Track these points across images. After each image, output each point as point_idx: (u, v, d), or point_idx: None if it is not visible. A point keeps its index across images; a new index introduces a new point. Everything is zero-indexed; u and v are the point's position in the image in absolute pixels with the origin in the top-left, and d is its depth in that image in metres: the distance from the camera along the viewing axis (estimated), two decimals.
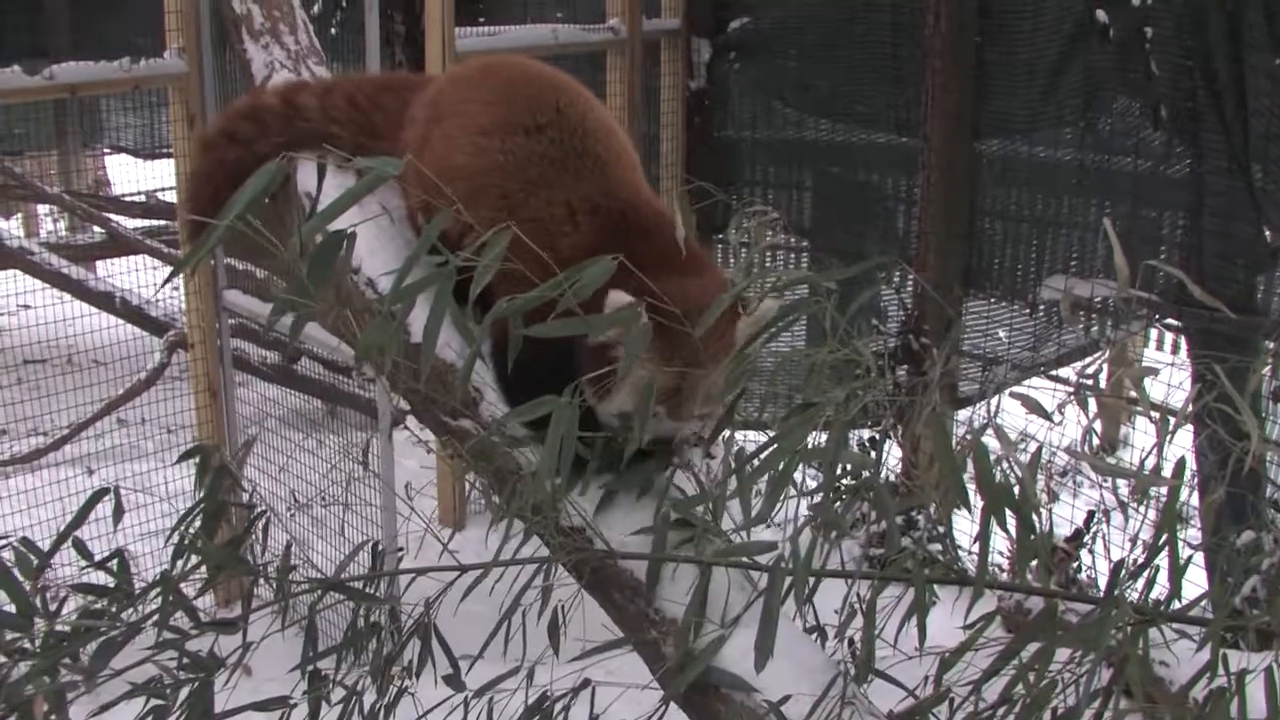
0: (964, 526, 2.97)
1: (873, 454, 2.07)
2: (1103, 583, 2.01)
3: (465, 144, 2.37)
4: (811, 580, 2.05)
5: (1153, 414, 1.84)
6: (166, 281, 2.70)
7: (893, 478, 5.17)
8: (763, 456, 1.87)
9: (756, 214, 2.25)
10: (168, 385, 7.22)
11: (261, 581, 2.33)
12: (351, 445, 5.73)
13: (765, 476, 1.95)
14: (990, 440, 1.82)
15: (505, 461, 2.21)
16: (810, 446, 1.77)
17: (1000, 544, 2.12)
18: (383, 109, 2.63)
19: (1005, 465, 1.76)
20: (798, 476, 1.91)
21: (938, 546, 4.36)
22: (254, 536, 2.40)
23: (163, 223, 8.86)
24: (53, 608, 2.05)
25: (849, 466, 1.99)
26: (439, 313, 1.76)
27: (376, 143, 2.57)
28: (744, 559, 2.08)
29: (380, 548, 2.32)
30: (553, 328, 1.91)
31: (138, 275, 7.52)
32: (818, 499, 1.91)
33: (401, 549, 2.41)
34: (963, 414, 6.02)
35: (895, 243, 6.71)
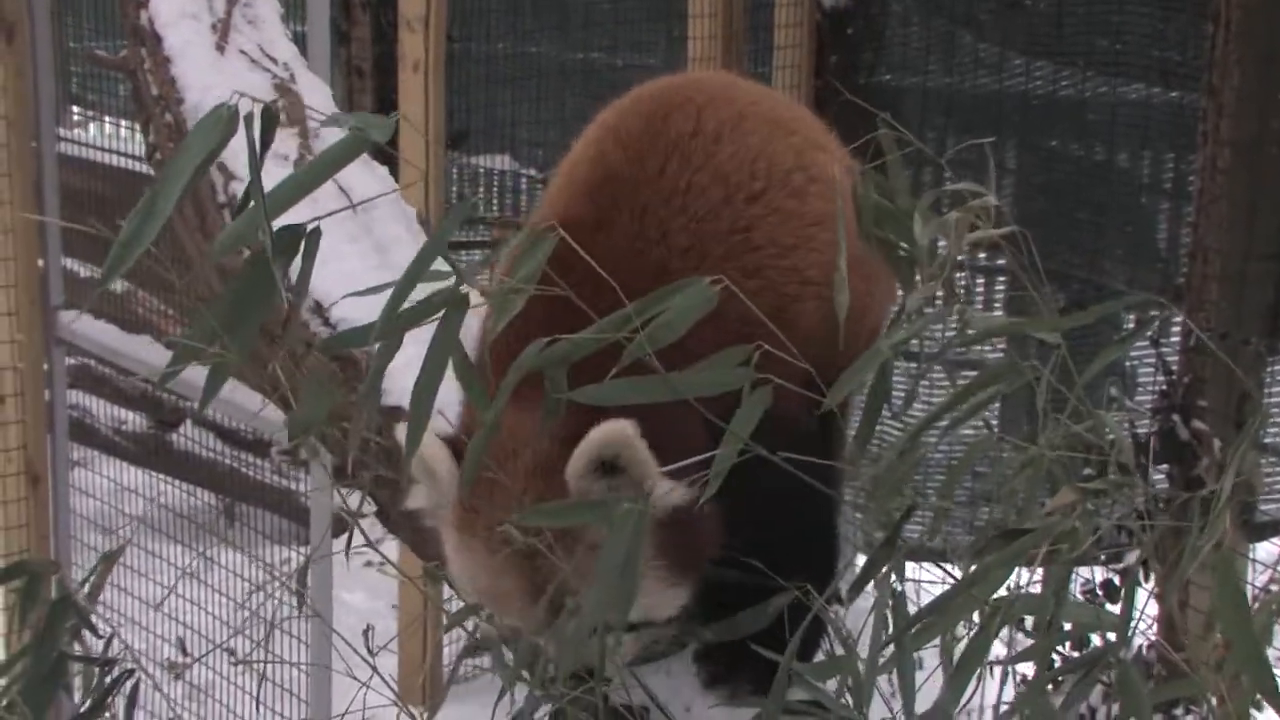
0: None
1: (1114, 608, 2.11)
2: None
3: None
4: None
5: None
6: None
7: (1145, 649, 5.16)
8: (938, 610, 1.91)
9: (958, 195, 2.29)
10: None
11: None
12: (267, 566, 5.83)
13: (939, 640, 1.99)
14: None
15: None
16: (1014, 596, 1.82)
17: None
18: None
19: None
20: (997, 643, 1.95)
21: None
22: (111, 713, 2.48)
23: None
24: None
25: (1071, 627, 2.02)
26: (438, 360, 1.84)
27: None
28: None
29: None
30: (613, 390, 1.98)
31: None
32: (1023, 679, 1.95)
33: None
34: (1264, 550, 5.98)
35: (1152, 263, 6.72)
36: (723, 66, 7.05)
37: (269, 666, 5.92)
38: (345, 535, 7.81)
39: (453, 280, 1.89)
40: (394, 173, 3.82)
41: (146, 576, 6.67)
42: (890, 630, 1.97)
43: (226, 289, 1.80)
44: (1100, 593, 6.26)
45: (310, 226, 1.81)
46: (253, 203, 1.75)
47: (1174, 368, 6.50)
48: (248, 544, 6.93)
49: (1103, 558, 6.58)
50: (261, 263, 1.74)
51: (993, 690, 2.09)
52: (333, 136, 3.04)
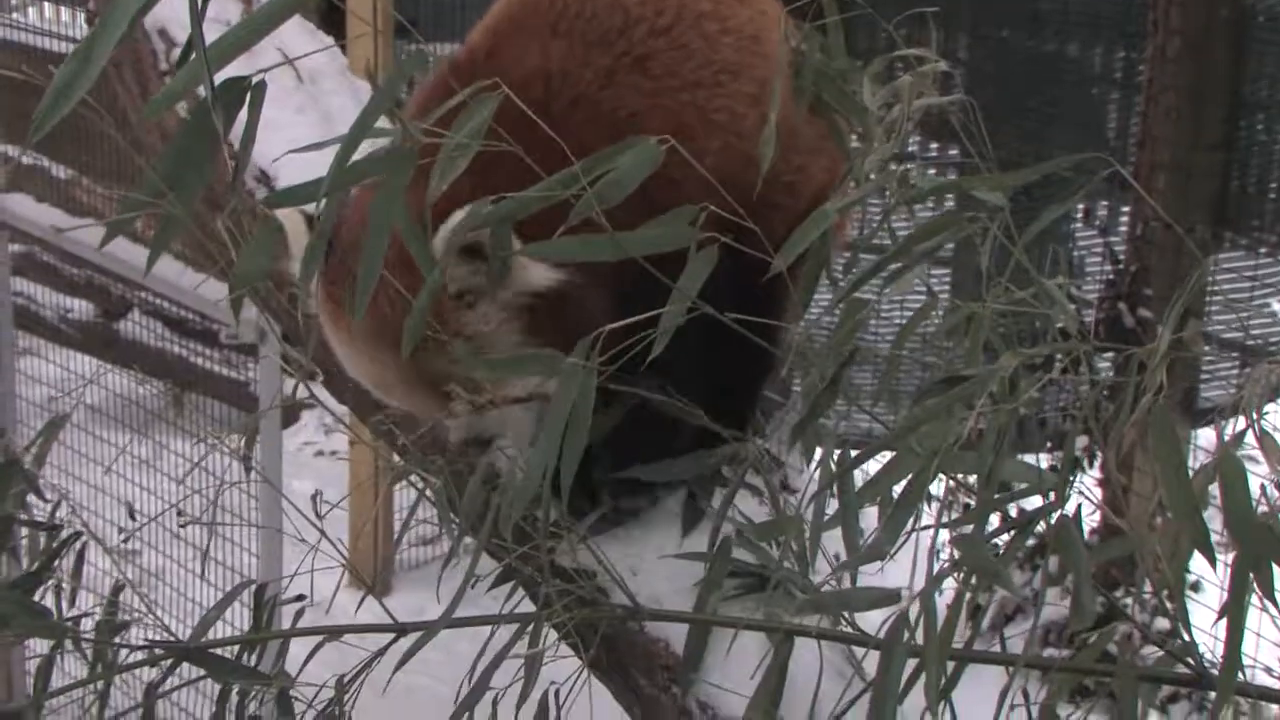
0: (1209, 601, 3.01)
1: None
2: None
3: None
4: (951, 667, 2.11)
5: None
6: None
7: (1090, 527, 5.25)
8: (880, 462, 1.93)
9: (908, 61, 2.29)
10: None
11: (70, 646, 2.41)
12: (214, 443, 5.81)
13: (880, 499, 2.00)
14: (1252, 464, 1.86)
15: (470, 461, 2.30)
16: (952, 446, 1.83)
17: (1262, 625, 2.17)
18: None
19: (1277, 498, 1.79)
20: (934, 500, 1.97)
21: (1159, 622, 4.40)
22: (60, 573, 2.48)
23: None
24: None
25: (1016, 487, 2.04)
26: (383, 217, 1.83)
27: None
28: (844, 624, 2.15)
29: (268, 596, 2.40)
30: (561, 246, 1.98)
31: None
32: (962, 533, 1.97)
33: (303, 598, 2.50)
34: (1205, 436, 6.05)
35: (1100, 153, 6.73)
36: None
37: (220, 553, 5.94)
38: (294, 425, 7.73)
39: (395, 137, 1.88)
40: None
41: (96, 462, 6.65)
42: (833, 477, 1.98)
43: (170, 144, 1.79)
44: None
45: (255, 79, 1.79)
46: (194, 55, 1.73)
47: (1121, 256, 6.55)
48: (198, 431, 6.92)
49: (1048, 445, 6.67)
50: (203, 113, 1.73)
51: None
52: None
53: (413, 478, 2.50)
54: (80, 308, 8.03)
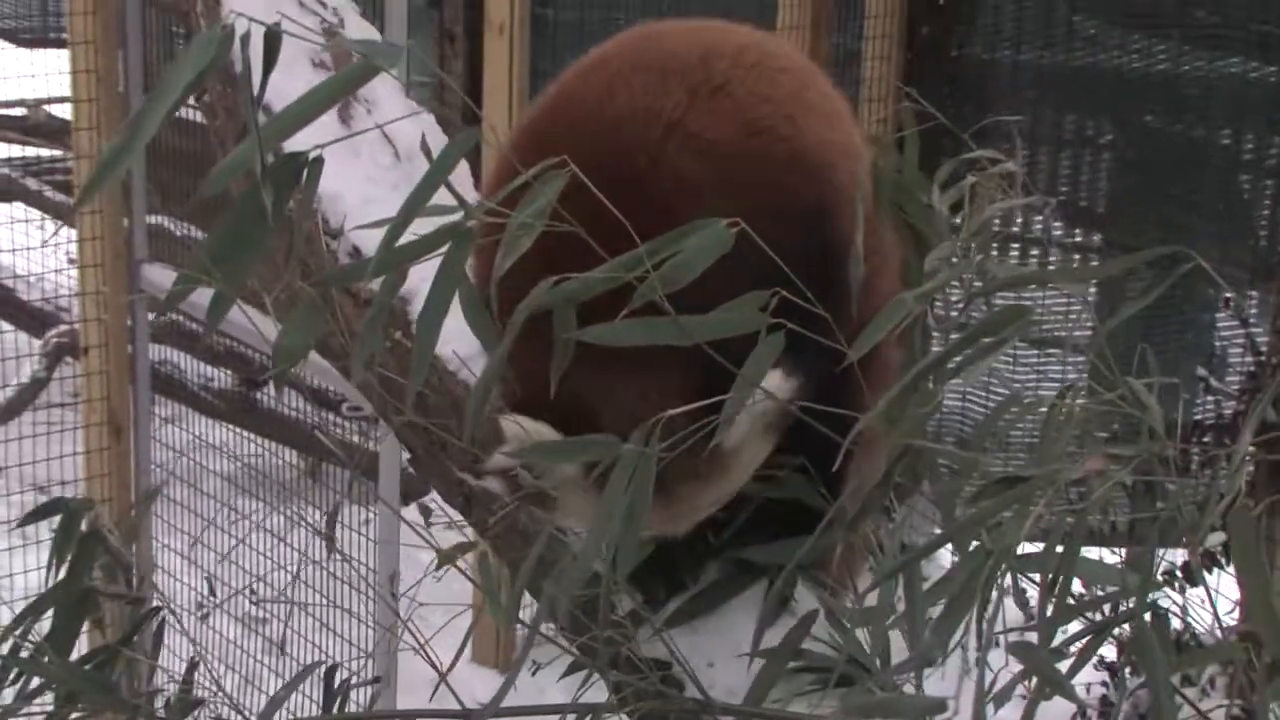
0: None
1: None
2: None
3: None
4: None
5: None
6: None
7: (1224, 633, 5.09)
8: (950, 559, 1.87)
9: (980, 164, 2.26)
10: (46, 416, 7.43)
11: None
12: (295, 513, 5.86)
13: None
14: None
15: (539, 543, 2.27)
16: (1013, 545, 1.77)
17: None
18: None
19: None
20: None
21: None
22: (137, 649, 2.49)
23: (49, 152, 9.16)
24: None
25: (1085, 591, 1.97)
26: (442, 295, 1.82)
27: None
28: None
29: (346, 675, 2.39)
30: (625, 331, 1.95)
31: (5, 234, 7.65)
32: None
33: (378, 679, 2.49)
34: None
35: (1244, 240, 6.61)
36: (811, 35, 7.00)
37: (340, 624, 5.98)
38: (429, 495, 7.78)
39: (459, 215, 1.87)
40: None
41: (223, 530, 6.71)
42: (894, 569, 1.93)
43: (222, 220, 1.79)
44: (1179, 574, 6.17)
45: (313, 154, 1.79)
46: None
47: (1263, 348, 6.40)
48: (327, 503, 6.97)
49: (1184, 540, 6.48)
50: (253, 193, 1.73)
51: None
52: (386, 89, 3.04)
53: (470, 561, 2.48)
54: (221, 376, 8.13)
